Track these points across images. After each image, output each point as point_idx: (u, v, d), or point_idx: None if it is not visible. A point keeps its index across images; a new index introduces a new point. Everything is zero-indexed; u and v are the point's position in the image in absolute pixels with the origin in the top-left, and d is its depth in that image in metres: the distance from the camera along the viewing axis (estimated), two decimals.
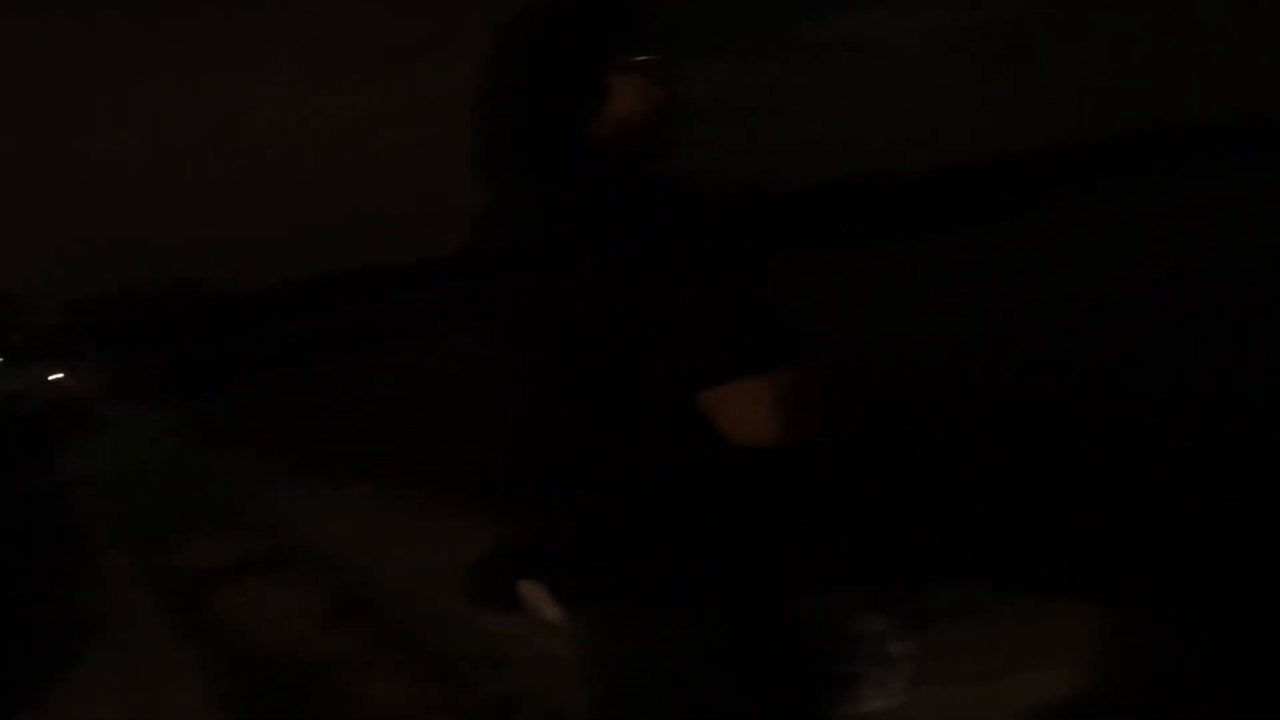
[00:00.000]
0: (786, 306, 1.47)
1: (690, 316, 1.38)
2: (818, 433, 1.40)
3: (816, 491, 1.46)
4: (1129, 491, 4.82)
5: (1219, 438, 5.59)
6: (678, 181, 1.52)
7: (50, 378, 46.34)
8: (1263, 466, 4.83)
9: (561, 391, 1.48)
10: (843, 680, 1.55)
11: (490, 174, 1.56)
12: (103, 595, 6.49)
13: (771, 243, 1.60)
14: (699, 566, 1.44)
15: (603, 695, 1.56)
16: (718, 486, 1.43)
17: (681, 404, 1.39)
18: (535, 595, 1.60)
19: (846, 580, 1.52)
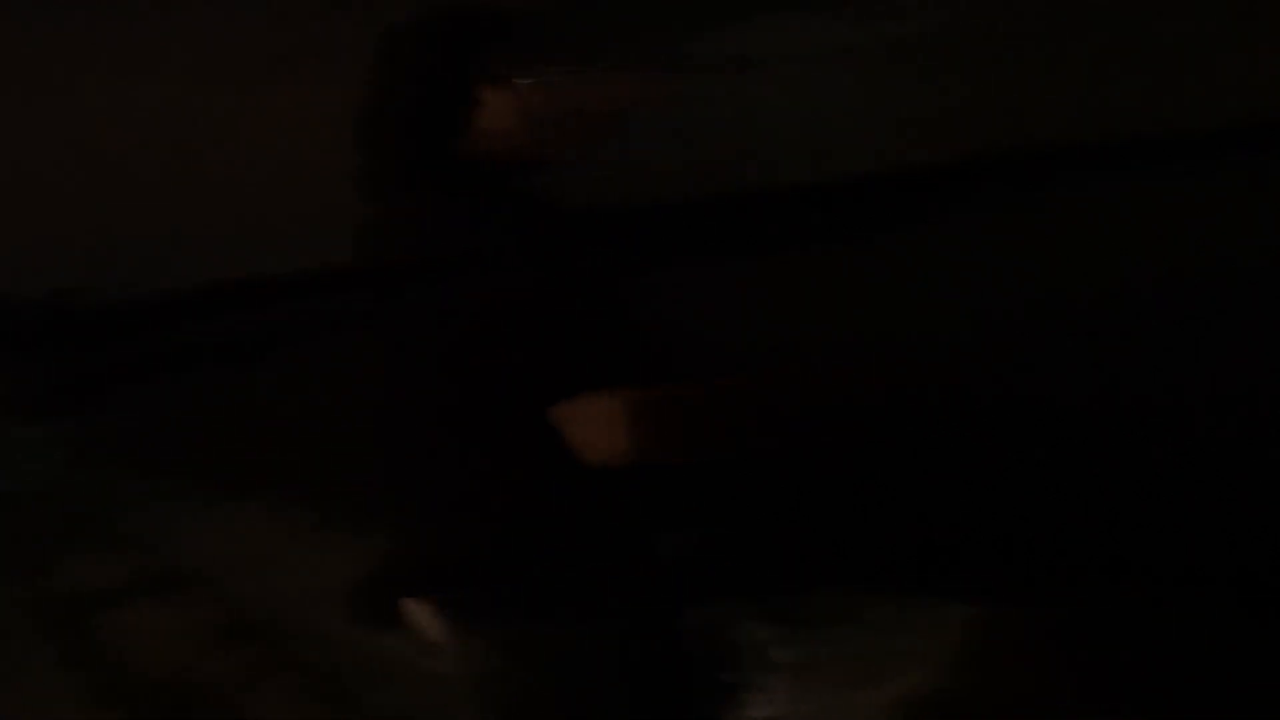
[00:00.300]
0: (660, 322, 1.49)
1: (560, 332, 1.39)
2: (673, 453, 1.42)
3: (692, 505, 1.49)
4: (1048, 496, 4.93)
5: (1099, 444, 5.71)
6: (552, 196, 1.53)
7: None
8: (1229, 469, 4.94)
9: (436, 405, 1.48)
10: (727, 690, 1.58)
11: (369, 186, 1.56)
12: None
13: (646, 257, 1.62)
14: (579, 581, 1.46)
15: (492, 713, 1.57)
16: (585, 501, 1.44)
17: (546, 420, 1.40)
18: (423, 614, 1.60)
19: (727, 591, 1.55)
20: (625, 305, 1.46)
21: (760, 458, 1.43)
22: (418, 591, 1.58)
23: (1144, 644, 3.25)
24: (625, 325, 1.45)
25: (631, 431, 1.37)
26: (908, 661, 3.20)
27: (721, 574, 1.52)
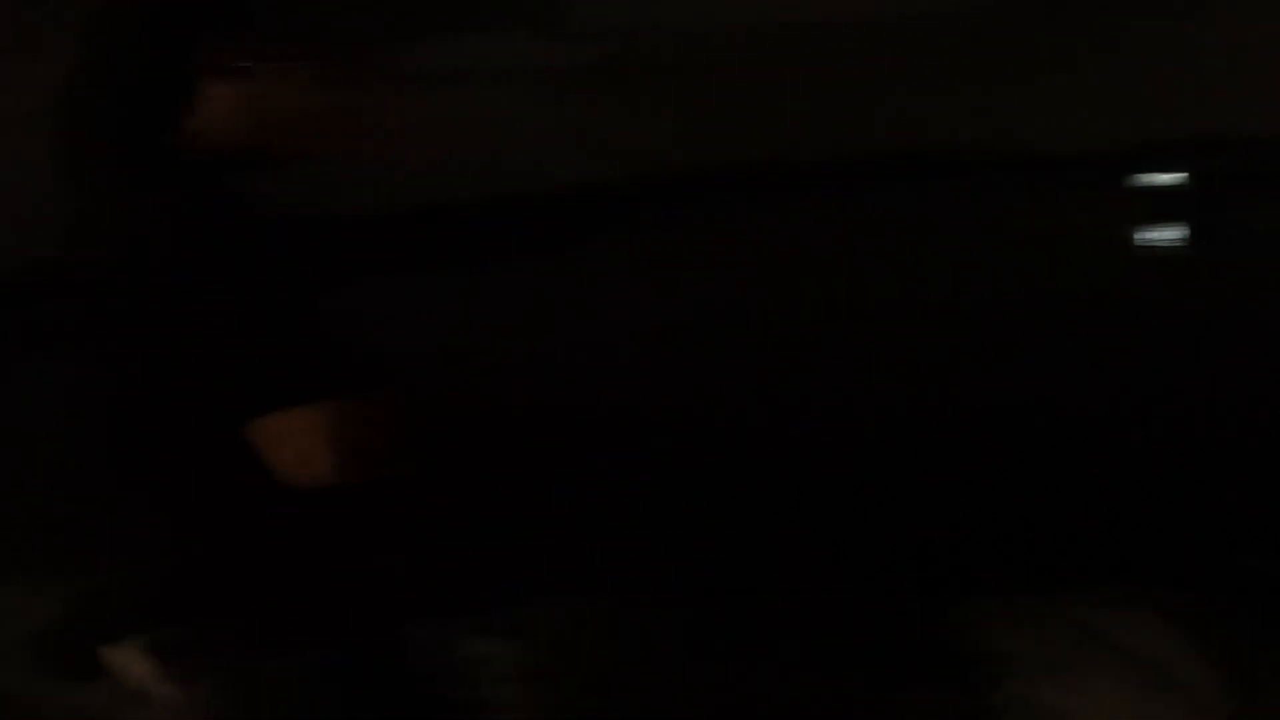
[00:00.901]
0: (365, 334, 1.45)
1: (261, 344, 1.32)
2: (376, 468, 1.37)
3: (406, 522, 1.45)
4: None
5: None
6: (262, 200, 1.45)
7: None
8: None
9: (128, 426, 1.38)
10: (464, 705, 1.55)
11: (71, 180, 1.43)
12: None
13: (350, 267, 1.58)
14: (294, 609, 1.39)
15: None
16: (293, 523, 1.38)
17: (243, 438, 1.33)
18: (127, 659, 1.48)
19: (449, 608, 1.52)
20: (329, 316, 1.41)
21: (469, 471, 1.41)
22: (120, 636, 1.47)
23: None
24: (329, 337, 1.39)
25: (332, 447, 1.31)
26: (631, 667, 3.23)
27: (441, 591, 1.48)
